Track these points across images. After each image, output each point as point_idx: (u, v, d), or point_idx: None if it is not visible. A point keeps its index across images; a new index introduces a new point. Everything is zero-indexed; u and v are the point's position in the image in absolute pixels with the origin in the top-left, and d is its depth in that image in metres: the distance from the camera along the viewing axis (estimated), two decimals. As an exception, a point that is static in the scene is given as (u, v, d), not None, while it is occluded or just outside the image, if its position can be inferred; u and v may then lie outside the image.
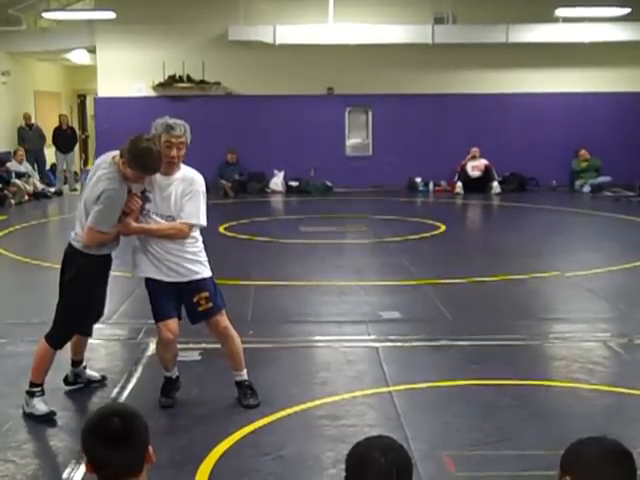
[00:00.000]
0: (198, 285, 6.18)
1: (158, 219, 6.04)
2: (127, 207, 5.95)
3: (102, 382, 6.78)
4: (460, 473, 5.21)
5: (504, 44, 20.80)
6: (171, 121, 6.09)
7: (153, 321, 6.35)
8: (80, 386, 6.78)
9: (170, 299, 6.12)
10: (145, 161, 5.78)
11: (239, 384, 6.43)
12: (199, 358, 7.30)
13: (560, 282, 10.91)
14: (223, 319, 6.33)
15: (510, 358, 7.59)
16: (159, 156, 5.84)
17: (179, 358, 6.68)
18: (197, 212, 6.11)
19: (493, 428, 5.89)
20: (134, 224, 5.99)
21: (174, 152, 6.02)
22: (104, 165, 5.93)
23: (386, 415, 6.22)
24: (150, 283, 6.16)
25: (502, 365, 7.36)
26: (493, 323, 8.69)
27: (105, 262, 6.16)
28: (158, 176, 6.01)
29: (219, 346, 6.50)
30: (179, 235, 6.05)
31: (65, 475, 5.17)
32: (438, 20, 21.08)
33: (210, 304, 6.23)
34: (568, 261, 12.22)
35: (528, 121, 21.93)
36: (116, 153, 5.95)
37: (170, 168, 6.06)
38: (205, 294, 6.20)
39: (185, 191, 6.11)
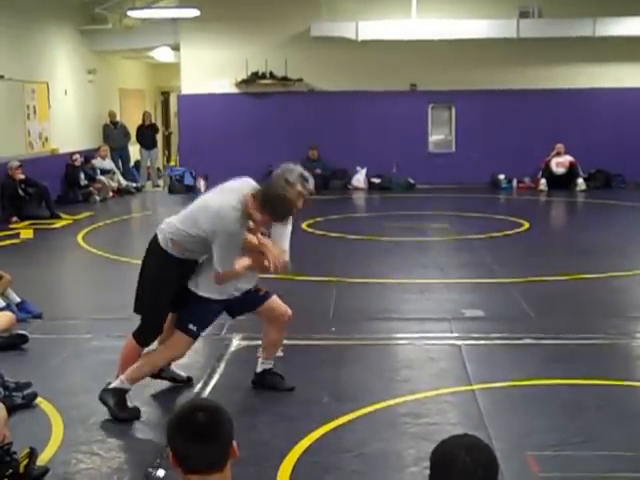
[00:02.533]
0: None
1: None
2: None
3: (187, 383, 6.80)
4: (544, 474, 5.12)
5: (591, 38, 20.43)
6: (306, 173, 6.08)
7: (235, 318, 6.44)
8: (163, 381, 6.83)
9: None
10: (276, 209, 5.85)
11: (271, 372, 6.57)
12: (281, 354, 7.31)
13: (648, 281, 10.70)
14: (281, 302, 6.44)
15: (595, 357, 7.46)
16: (291, 205, 5.87)
17: (259, 355, 6.72)
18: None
19: (577, 428, 5.79)
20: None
21: (300, 204, 6.02)
22: (234, 201, 5.84)
23: (468, 413, 6.16)
24: (214, 303, 6.15)
25: (587, 364, 7.23)
26: (578, 322, 8.54)
27: (189, 266, 6.17)
28: None
29: (301, 342, 6.50)
30: None
31: (149, 469, 5.22)
32: (523, 14, 20.82)
33: (265, 288, 6.37)
34: (656, 259, 11.98)
35: (614, 116, 21.51)
36: (248, 188, 5.92)
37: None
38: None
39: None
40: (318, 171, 21.22)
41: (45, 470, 5.10)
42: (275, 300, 6.39)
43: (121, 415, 5.99)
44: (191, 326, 6.04)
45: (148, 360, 6.24)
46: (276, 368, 6.64)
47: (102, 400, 6.05)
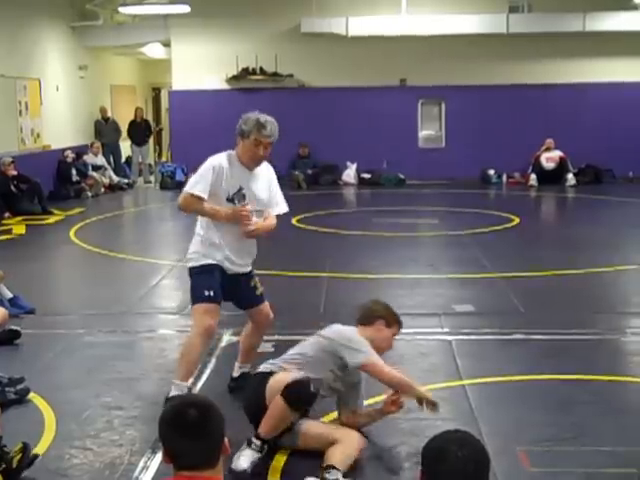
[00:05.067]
0: (251, 273, 6.32)
1: (254, 217, 6.07)
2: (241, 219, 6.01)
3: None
4: (535, 469, 5.15)
5: (581, 33, 20.47)
6: (262, 119, 6.00)
7: (227, 313, 6.43)
8: (154, 375, 6.84)
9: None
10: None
11: (248, 375, 6.46)
12: (272, 350, 7.33)
13: (638, 275, 10.74)
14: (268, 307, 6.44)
15: (586, 353, 7.49)
16: (253, 154, 6.03)
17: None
18: (284, 201, 6.31)
19: (569, 424, 5.82)
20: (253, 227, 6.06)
21: (261, 151, 6.00)
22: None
23: (459, 409, 6.18)
24: (213, 268, 6.08)
25: (578, 360, 7.26)
26: (568, 317, 8.58)
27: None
28: (245, 170, 6.06)
29: (292, 337, 6.51)
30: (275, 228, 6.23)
31: (142, 464, 5.25)
32: (513, 9, 20.85)
33: (262, 289, 6.36)
34: (646, 254, 12.03)
35: (604, 111, 21.55)
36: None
37: (256, 166, 6.11)
38: (257, 280, 6.34)
39: (272, 182, 6.25)
40: (309, 172, 21.28)
41: (34, 457, 5.12)
42: (266, 304, 6.41)
43: None
44: (207, 292, 5.96)
45: (185, 349, 6.12)
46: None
47: None
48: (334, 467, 4.92)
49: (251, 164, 6.05)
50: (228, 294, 6.17)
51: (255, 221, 6.05)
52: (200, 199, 5.91)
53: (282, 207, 6.27)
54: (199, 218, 6.15)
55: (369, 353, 5.37)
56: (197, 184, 5.93)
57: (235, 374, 6.54)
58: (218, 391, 6.37)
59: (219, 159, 6.02)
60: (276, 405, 5.09)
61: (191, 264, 6.12)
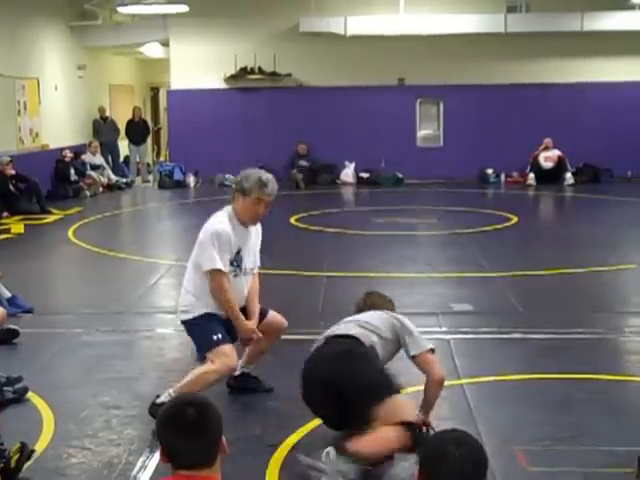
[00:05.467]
0: None
1: (244, 278, 6.06)
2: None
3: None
4: (533, 468, 5.16)
5: (579, 32, 20.47)
6: (264, 177, 5.94)
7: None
8: (153, 374, 6.84)
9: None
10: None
11: (247, 375, 6.50)
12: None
13: (636, 275, 10.74)
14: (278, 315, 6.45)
15: (584, 352, 7.49)
16: (252, 213, 5.98)
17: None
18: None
19: (567, 423, 5.83)
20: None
21: (262, 210, 5.95)
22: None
23: (458, 408, 6.19)
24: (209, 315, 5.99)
25: (576, 359, 7.27)
26: (567, 316, 8.59)
27: None
28: (243, 229, 6.01)
29: (290, 337, 6.50)
30: None
31: (139, 463, 5.25)
32: (511, 9, 20.84)
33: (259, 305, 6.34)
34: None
35: (602, 111, 21.54)
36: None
37: (254, 224, 6.09)
38: None
39: (259, 233, 6.25)
40: (305, 163, 21.26)
41: (31, 452, 5.12)
42: (273, 314, 6.37)
43: None
44: (215, 337, 5.84)
45: (199, 378, 5.89)
46: (265, 363, 6.65)
47: (153, 415, 5.71)
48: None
49: (250, 222, 6.03)
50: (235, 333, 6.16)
51: (246, 280, 6.07)
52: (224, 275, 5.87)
53: (257, 264, 6.29)
54: (193, 272, 6.02)
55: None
56: (218, 261, 5.83)
57: (236, 372, 6.52)
58: (216, 390, 6.37)
59: (223, 225, 5.89)
60: (395, 438, 4.94)
61: (184, 317, 6.04)
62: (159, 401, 5.80)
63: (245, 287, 6.10)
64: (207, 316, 5.94)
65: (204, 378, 5.87)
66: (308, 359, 5.44)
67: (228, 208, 6.02)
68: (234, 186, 6.05)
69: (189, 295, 6.04)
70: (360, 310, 5.86)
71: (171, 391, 5.84)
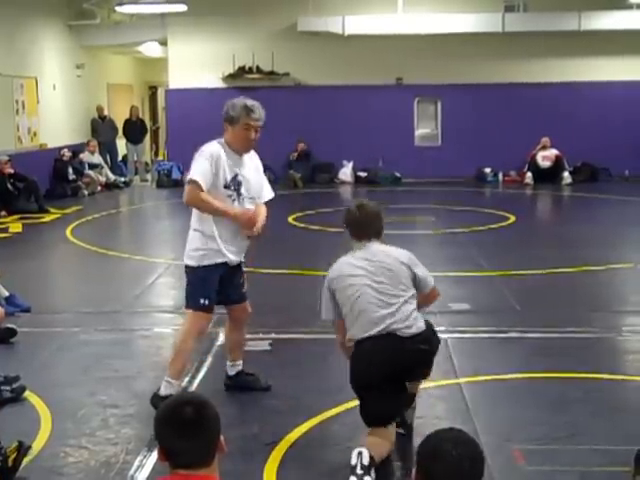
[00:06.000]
0: (242, 266, 6.30)
1: (246, 205, 6.03)
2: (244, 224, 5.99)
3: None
4: (530, 467, 5.16)
5: (576, 32, 20.48)
6: (249, 103, 5.97)
7: (224, 312, 6.42)
8: (150, 374, 6.84)
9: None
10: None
11: (243, 373, 6.49)
12: (269, 348, 7.34)
13: (634, 274, 10.75)
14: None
15: (581, 351, 7.50)
16: (244, 139, 5.96)
17: (248, 348, 6.75)
18: (270, 187, 6.33)
19: (564, 422, 5.83)
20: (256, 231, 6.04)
21: (252, 135, 5.97)
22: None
23: (455, 407, 6.20)
24: (214, 270, 6.01)
25: (573, 358, 7.27)
26: (564, 315, 8.59)
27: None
28: (237, 157, 6.00)
29: (288, 336, 6.51)
30: None
31: (137, 462, 5.26)
32: (509, 8, 20.84)
33: (246, 286, 6.34)
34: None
35: (600, 110, 21.56)
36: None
37: (247, 151, 6.08)
38: (244, 276, 6.32)
39: (259, 168, 6.24)
40: (303, 162, 21.26)
41: (27, 448, 5.12)
42: (247, 301, 6.40)
43: None
44: (202, 301, 5.94)
45: (180, 349, 6.08)
46: (263, 362, 6.66)
47: (155, 406, 5.76)
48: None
49: (242, 149, 6.02)
50: (222, 290, 6.13)
51: (249, 208, 6.01)
52: (200, 189, 5.82)
53: (269, 193, 6.31)
54: (194, 211, 6.06)
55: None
56: (199, 174, 5.83)
57: (231, 372, 6.52)
58: (214, 389, 6.38)
59: (215, 147, 5.94)
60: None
61: (190, 262, 6.01)
62: (163, 393, 5.87)
63: (254, 208, 6.08)
64: (207, 271, 5.94)
65: (185, 346, 6.07)
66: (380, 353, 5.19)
67: (219, 139, 6.02)
68: (222, 117, 6.03)
69: (194, 235, 6.00)
70: (358, 225, 5.60)
71: (167, 378, 5.94)
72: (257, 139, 6.02)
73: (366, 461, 4.82)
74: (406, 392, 5.38)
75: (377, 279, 5.31)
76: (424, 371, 5.48)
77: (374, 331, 5.18)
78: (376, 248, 5.51)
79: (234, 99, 6.08)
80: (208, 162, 5.85)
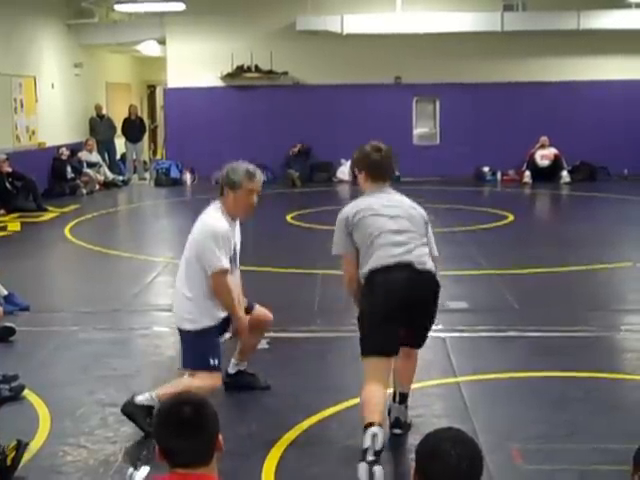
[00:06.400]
0: None
1: (237, 271, 6.00)
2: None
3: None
4: (529, 466, 5.17)
5: (575, 31, 20.48)
6: (251, 168, 5.85)
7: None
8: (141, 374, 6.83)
9: None
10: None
11: (244, 372, 6.49)
12: (267, 347, 7.34)
13: (632, 273, 10.75)
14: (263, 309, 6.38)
15: (580, 350, 7.50)
16: (245, 205, 5.84)
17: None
18: None
19: (563, 421, 5.83)
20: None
21: (254, 200, 5.85)
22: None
23: (453, 406, 6.20)
24: (213, 330, 5.86)
25: (572, 357, 7.28)
26: (562, 314, 8.60)
27: None
28: (233, 224, 5.89)
29: (286, 335, 6.50)
30: None
31: (136, 461, 5.25)
32: (507, 7, 20.84)
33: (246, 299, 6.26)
34: (640, 251, 12.05)
35: (599, 109, 21.57)
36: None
37: (247, 217, 5.97)
38: None
39: (238, 227, 6.11)
40: (301, 161, 21.23)
41: (25, 445, 5.13)
42: (258, 309, 6.30)
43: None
44: (212, 361, 5.75)
45: (180, 388, 5.76)
46: (262, 361, 6.65)
47: (128, 414, 5.73)
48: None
49: (244, 215, 5.92)
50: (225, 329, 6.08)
51: (237, 272, 6.01)
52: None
53: None
54: (187, 276, 5.84)
55: None
56: (225, 259, 5.71)
57: (231, 370, 6.50)
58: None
59: (222, 224, 5.76)
60: None
61: (188, 327, 5.81)
62: (138, 401, 5.69)
63: (239, 280, 6.07)
64: (208, 332, 5.78)
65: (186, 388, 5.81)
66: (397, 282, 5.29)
67: (217, 204, 5.86)
68: (220, 181, 5.90)
69: (188, 302, 5.80)
70: (377, 166, 5.78)
71: (153, 394, 5.70)
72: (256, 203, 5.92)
73: (379, 446, 4.84)
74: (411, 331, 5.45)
75: (397, 221, 5.47)
76: (428, 320, 5.58)
77: (391, 262, 5.30)
78: (396, 195, 5.74)
79: (232, 163, 5.92)
80: (224, 244, 5.72)
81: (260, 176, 5.91)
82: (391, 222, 5.44)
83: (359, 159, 5.84)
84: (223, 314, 5.88)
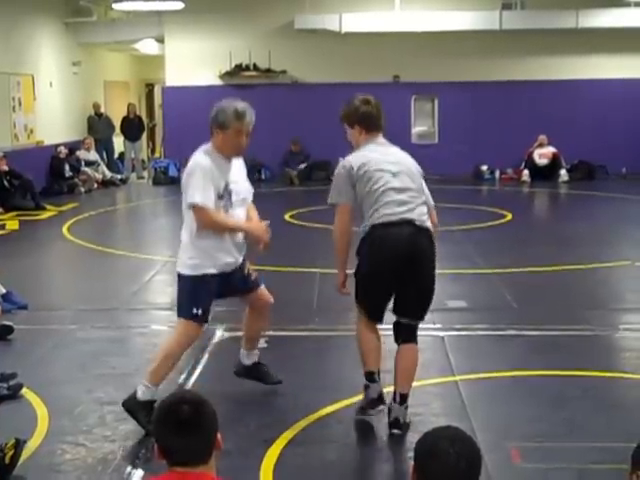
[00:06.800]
0: (243, 261, 6.07)
1: (237, 211, 5.85)
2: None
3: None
4: (527, 465, 5.17)
5: (574, 29, 20.48)
6: (240, 107, 5.78)
7: (220, 309, 6.38)
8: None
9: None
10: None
11: (259, 364, 6.40)
12: (265, 345, 7.34)
13: (630, 271, 10.75)
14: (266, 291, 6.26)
15: (578, 349, 7.51)
16: (235, 145, 5.79)
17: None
18: (249, 185, 6.11)
19: (561, 419, 5.84)
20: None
21: (244, 140, 5.80)
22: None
23: (452, 404, 6.21)
24: (210, 280, 5.78)
25: (570, 356, 7.28)
26: (561, 313, 8.60)
27: None
28: (226, 163, 5.82)
29: (285, 333, 6.49)
30: None
31: (135, 460, 5.26)
32: (506, 6, 20.85)
33: (256, 274, 6.18)
34: (639, 250, 12.04)
35: (597, 108, 21.57)
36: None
37: (238, 156, 5.92)
38: (249, 266, 6.14)
39: (242, 165, 6.05)
40: (302, 166, 21.26)
41: (24, 442, 5.13)
42: (263, 288, 6.21)
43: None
44: (195, 310, 5.71)
45: (166, 355, 5.86)
46: (261, 359, 6.64)
47: (128, 410, 5.74)
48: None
49: (234, 155, 5.84)
50: (226, 291, 5.98)
51: (240, 211, 5.87)
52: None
53: (251, 189, 6.11)
54: (185, 222, 5.82)
55: None
56: (200, 196, 5.62)
57: (247, 362, 6.37)
58: (210, 386, 6.38)
59: (204, 161, 5.73)
60: None
61: (184, 271, 5.76)
62: (139, 397, 5.69)
63: (240, 220, 5.91)
64: (202, 280, 5.71)
65: (172, 353, 5.85)
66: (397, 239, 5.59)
67: (206, 146, 5.85)
68: (210, 121, 5.83)
69: (188, 246, 5.75)
70: (371, 117, 6.05)
71: (145, 383, 5.72)
72: (247, 143, 5.87)
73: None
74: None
75: (400, 179, 5.74)
76: (429, 280, 5.92)
77: (394, 219, 5.56)
78: (392, 147, 6.03)
79: (222, 102, 5.86)
80: (202, 178, 5.65)
81: (250, 117, 5.80)
82: (394, 180, 5.68)
83: (350, 113, 6.03)
84: (227, 259, 5.78)
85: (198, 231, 5.70)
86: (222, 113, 5.77)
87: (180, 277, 5.82)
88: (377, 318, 5.80)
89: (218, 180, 5.71)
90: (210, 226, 5.67)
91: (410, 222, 5.60)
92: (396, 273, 5.56)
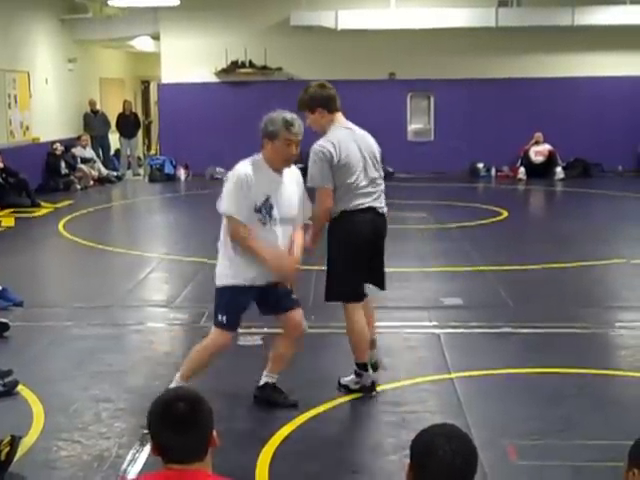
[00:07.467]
0: None
1: (279, 228, 5.78)
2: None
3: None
4: (522, 462, 5.17)
5: (570, 27, 20.47)
6: (289, 117, 5.81)
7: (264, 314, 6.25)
8: (143, 368, 6.83)
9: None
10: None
11: (274, 387, 6.20)
12: (261, 342, 7.34)
13: (626, 269, 10.76)
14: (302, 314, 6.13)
15: (574, 346, 7.52)
16: (284, 156, 5.87)
17: (240, 343, 6.73)
18: (310, 204, 6.12)
19: (556, 417, 5.84)
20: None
21: (294, 150, 5.77)
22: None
23: (447, 402, 6.21)
24: (239, 292, 5.77)
25: (566, 353, 7.29)
26: (556, 310, 8.61)
27: None
28: (274, 176, 5.77)
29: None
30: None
31: (130, 457, 5.25)
32: (502, 3, 20.81)
33: (295, 295, 6.10)
34: (634, 248, 12.05)
35: (593, 105, 21.58)
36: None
37: (287, 166, 5.87)
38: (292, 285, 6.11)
39: (299, 182, 5.98)
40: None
41: (19, 438, 5.12)
42: (297, 313, 6.06)
43: None
44: (220, 317, 5.77)
45: (195, 358, 5.94)
46: (256, 356, 6.64)
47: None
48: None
49: (284, 166, 5.80)
50: (261, 307, 5.98)
51: (282, 230, 5.80)
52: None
53: (308, 210, 6.07)
54: (222, 233, 5.80)
55: None
56: (233, 206, 5.61)
57: (260, 382, 6.23)
58: (206, 383, 6.36)
59: (246, 169, 5.68)
60: None
61: (216, 281, 5.82)
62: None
63: (279, 238, 5.79)
64: (231, 289, 5.73)
65: (200, 357, 5.96)
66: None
67: (256, 155, 5.82)
68: (260, 132, 5.85)
69: (224, 257, 5.78)
70: (331, 98, 6.72)
71: (177, 378, 5.89)
72: (297, 154, 5.86)
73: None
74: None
75: (369, 171, 6.29)
76: (383, 257, 6.58)
77: (362, 207, 6.19)
78: (358, 130, 6.51)
79: (271, 113, 5.92)
80: (238, 187, 5.60)
81: (299, 126, 5.82)
82: (363, 176, 6.20)
83: (311, 98, 6.48)
84: (256, 273, 5.71)
85: (228, 241, 5.76)
86: (271, 123, 5.84)
87: (215, 289, 5.89)
88: (362, 294, 6.38)
89: (257, 192, 5.64)
90: (234, 238, 5.70)
91: (374, 209, 6.27)
92: (371, 250, 6.31)
